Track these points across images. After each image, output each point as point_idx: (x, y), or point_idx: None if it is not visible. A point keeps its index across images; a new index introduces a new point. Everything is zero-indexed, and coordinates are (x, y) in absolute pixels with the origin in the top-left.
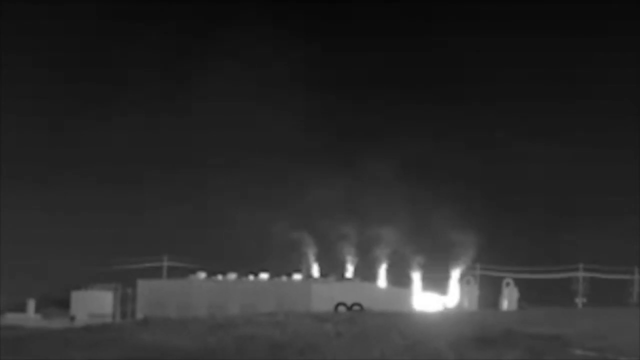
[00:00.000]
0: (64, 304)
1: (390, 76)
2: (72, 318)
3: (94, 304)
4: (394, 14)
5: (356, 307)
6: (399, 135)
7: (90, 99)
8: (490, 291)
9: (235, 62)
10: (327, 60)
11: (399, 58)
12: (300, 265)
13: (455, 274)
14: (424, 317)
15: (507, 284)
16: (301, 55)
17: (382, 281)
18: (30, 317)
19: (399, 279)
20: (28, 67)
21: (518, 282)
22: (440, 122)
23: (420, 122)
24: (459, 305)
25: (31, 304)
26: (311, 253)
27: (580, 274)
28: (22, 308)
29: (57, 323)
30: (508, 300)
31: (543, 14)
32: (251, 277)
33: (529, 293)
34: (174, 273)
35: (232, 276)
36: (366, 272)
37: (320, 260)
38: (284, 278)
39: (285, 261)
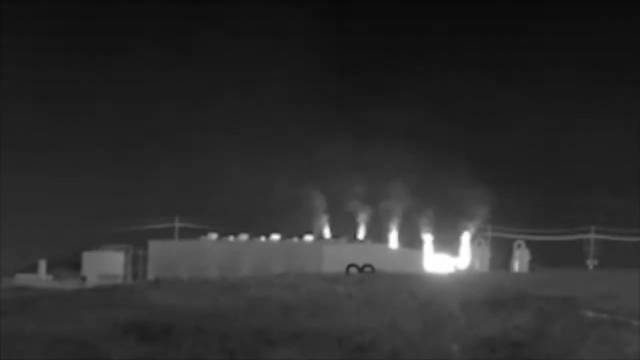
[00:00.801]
0: (75, 265)
1: (403, 27)
2: (83, 279)
3: (105, 265)
4: None
5: (367, 269)
6: (411, 93)
7: (95, 53)
8: (501, 253)
9: (237, 14)
10: (335, 10)
11: (412, 11)
12: (312, 227)
13: (467, 235)
14: (435, 278)
15: (519, 246)
16: (308, 6)
17: (393, 243)
18: (42, 278)
19: (411, 240)
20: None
21: (529, 244)
22: (452, 80)
23: (433, 79)
24: (470, 267)
25: (42, 265)
26: (322, 214)
27: (592, 236)
28: (33, 269)
29: (68, 284)
30: (519, 262)
31: None
32: (262, 239)
33: (541, 255)
34: (185, 234)
35: (243, 237)
36: (378, 234)
37: (331, 221)
38: (295, 239)
39: (297, 222)
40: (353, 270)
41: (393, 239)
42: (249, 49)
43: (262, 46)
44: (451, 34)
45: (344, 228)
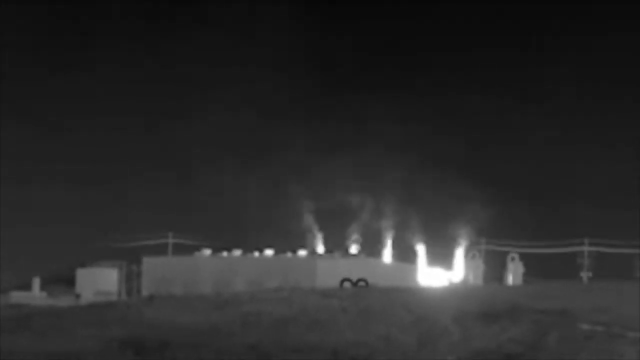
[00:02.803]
0: (70, 282)
1: (404, 33)
2: (78, 296)
3: (100, 281)
4: None
5: (361, 283)
6: (407, 107)
7: (89, 63)
8: (495, 266)
9: (223, 13)
10: (327, 10)
11: (413, 22)
12: (305, 242)
13: (460, 249)
14: (429, 292)
15: (512, 259)
16: (308, 10)
17: (387, 257)
18: (36, 295)
19: (404, 254)
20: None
21: (523, 257)
22: (449, 94)
23: (429, 92)
24: (464, 280)
25: (36, 282)
26: (315, 229)
27: (586, 248)
28: (27, 286)
29: (63, 301)
30: (513, 275)
31: None
32: (256, 254)
33: (535, 267)
34: (179, 250)
35: (237, 253)
36: (371, 248)
37: (324, 236)
38: (289, 254)
39: (290, 237)
40: (347, 284)
41: (387, 253)
42: (246, 58)
43: (260, 55)
44: (452, 46)
45: (337, 242)
